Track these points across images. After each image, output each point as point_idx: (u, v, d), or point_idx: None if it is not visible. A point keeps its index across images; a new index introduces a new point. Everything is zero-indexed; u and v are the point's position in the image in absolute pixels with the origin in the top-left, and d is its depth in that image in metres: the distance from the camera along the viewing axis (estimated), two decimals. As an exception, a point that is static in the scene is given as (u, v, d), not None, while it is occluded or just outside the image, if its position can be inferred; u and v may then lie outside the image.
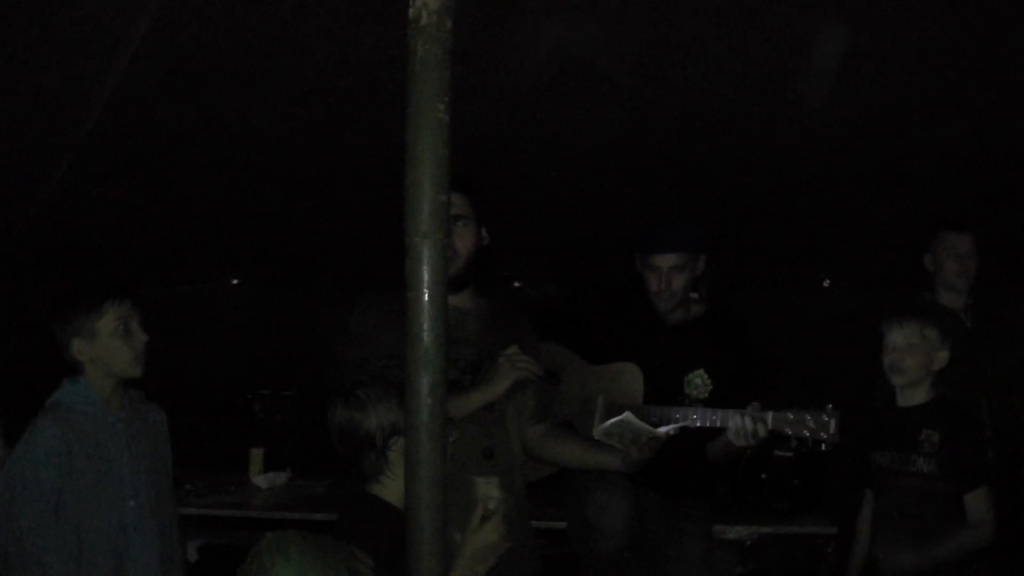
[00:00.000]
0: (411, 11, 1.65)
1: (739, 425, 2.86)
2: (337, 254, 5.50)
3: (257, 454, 4.83)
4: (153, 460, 2.78)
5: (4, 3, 2.65)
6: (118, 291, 2.69)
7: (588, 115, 3.47)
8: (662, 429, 2.78)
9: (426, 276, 1.65)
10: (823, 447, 2.89)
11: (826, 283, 6.13)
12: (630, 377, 3.14)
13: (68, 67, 3.01)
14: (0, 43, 2.82)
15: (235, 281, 6.75)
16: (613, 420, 2.76)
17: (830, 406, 2.87)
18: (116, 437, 2.66)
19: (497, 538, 2.11)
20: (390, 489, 2.15)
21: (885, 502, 3.02)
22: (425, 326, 1.65)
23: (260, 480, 4.72)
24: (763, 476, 4.34)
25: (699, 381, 3.17)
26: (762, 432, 2.86)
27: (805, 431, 2.85)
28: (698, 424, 2.95)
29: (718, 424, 2.94)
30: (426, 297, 1.65)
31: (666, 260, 3.17)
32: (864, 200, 4.40)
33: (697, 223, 3.32)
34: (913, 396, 3.01)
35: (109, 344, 2.64)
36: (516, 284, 6.09)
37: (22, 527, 2.48)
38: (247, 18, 2.81)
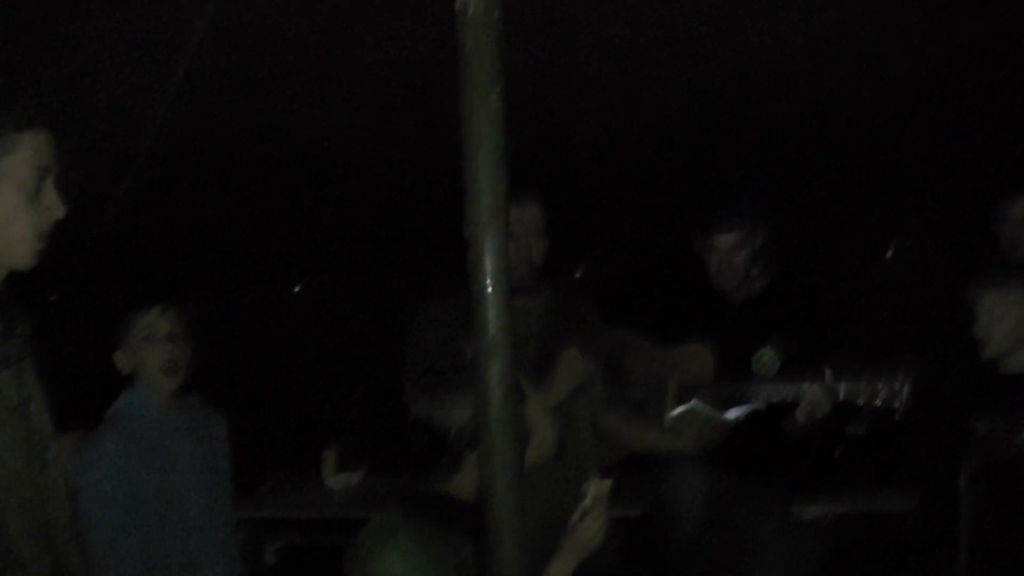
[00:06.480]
0: (458, 3, 1.64)
1: (812, 397, 2.83)
2: (398, 254, 5.52)
3: (330, 456, 4.89)
4: (212, 461, 2.77)
5: (60, 15, 2.69)
6: (149, 300, 2.65)
7: (642, 85, 3.38)
8: (731, 413, 2.77)
9: (489, 267, 1.64)
10: (896, 416, 2.83)
11: (889, 254, 6.00)
12: (701, 358, 3.11)
13: (128, 76, 3.06)
14: (60, 56, 2.87)
15: (296, 288, 6.82)
16: (681, 409, 2.76)
17: (902, 372, 2.81)
18: (177, 441, 2.67)
19: (592, 537, 2.06)
20: (461, 485, 2.08)
21: (982, 474, 2.83)
22: (491, 316, 1.64)
23: (333, 482, 4.78)
24: (836, 454, 4.28)
25: (766, 359, 3.13)
26: (829, 402, 2.83)
27: (878, 400, 2.81)
28: (771, 400, 2.92)
29: (790, 399, 2.90)
30: (489, 288, 1.64)
31: (725, 240, 3.14)
32: (930, 164, 4.29)
33: (753, 197, 3.27)
34: (1012, 364, 2.80)
35: (137, 355, 2.63)
36: (576, 275, 6.03)
37: (87, 538, 2.52)
38: (298, 21, 2.83)
